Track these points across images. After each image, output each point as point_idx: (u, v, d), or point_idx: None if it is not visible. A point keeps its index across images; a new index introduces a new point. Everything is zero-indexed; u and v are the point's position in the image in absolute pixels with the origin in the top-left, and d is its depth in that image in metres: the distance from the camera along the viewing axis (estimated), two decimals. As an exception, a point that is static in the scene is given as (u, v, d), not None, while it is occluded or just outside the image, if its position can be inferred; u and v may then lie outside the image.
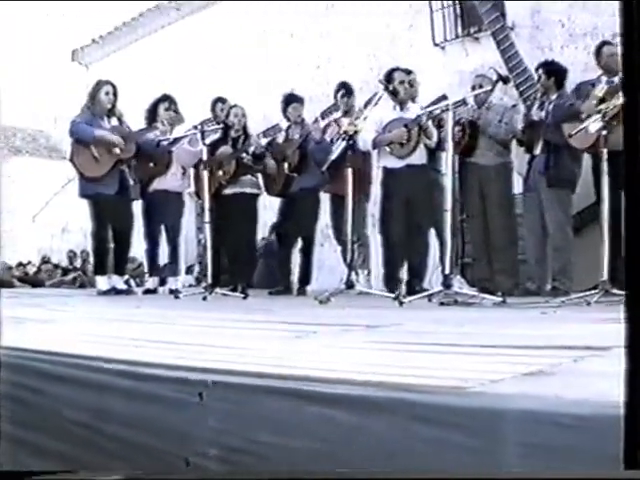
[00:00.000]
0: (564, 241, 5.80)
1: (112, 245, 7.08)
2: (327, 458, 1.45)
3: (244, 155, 7.10)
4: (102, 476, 1.72)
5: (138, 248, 7.76)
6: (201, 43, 12.36)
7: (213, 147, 6.96)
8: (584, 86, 5.65)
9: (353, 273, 5.60)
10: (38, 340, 2.52)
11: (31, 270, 14.26)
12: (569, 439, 1.19)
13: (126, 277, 7.75)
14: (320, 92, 9.03)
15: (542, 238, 5.94)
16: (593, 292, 4.35)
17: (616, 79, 5.21)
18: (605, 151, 4.54)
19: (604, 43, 5.82)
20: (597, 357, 1.82)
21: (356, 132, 5.70)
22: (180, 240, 7.48)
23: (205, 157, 6.42)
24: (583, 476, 1.18)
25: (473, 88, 6.08)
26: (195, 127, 6.72)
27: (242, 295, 6.18)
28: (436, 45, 9.52)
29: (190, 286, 8.41)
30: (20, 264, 14.28)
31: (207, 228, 6.38)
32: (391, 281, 6.24)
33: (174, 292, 6.65)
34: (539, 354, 1.94)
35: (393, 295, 5.04)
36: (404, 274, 6.40)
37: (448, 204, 4.91)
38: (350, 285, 5.39)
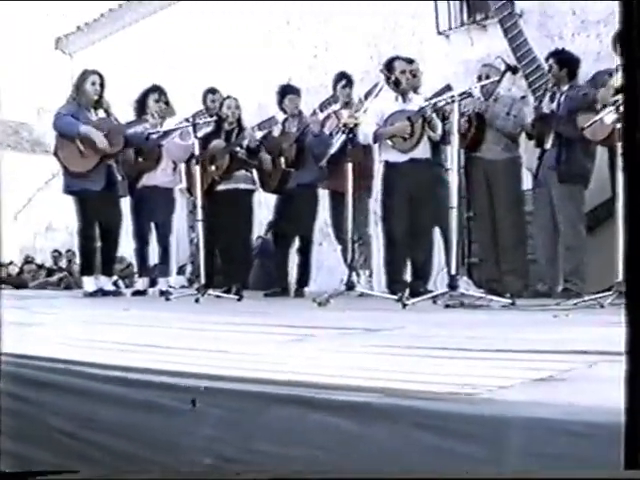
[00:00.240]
0: (576, 240, 5.80)
1: (99, 244, 7.08)
2: (326, 467, 1.45)
3: (238, 149, 7.09)
4: (102, 476, 1.73)
5: (127, 247, 7.76)
6: (192, 30, 12.36)
7: (205, 141, 6.95)
8: (600, 76, 5.63)
9: (354, 274, 5.60)
10: (21, 344, 2.52)
11: (13, 271, 14.27)
12: (582, 448, 1.19)
13: (114, 278, 7.78)
14: (318, 83, 9.04)
15: (553, 237, 5.94)
16: (607, 294, 4.34)
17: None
18: (620, 144, 4.54)
19: (623, 30, 5.81)
20: (611, 362, 1.82)
21: (356, 125, 5.70)
22: (171, 239, 7.48)
23: (197, 151, 6.42)
24: (583, 476, 1.18)
25: (479, 79, 6.08)
26: (187, 120, 6.72)
27: (236, 297, 6.19)
28: (440, 33, 9.52)
29: (182, 287, 8.41)
30: (1, 265, 14.28)
31: (199, 226, 6.38)
32: (394, 282, 6.25)
33: (165, 294, 6.66)
34: (550, 359, 1.95)
35: (396, 297, 5.04)
36: (407, 275, 6.40)
37: (454, 201, 4.91)
38: (350, 286, 5.39)
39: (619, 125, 4.54)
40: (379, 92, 6.00)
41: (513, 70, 5.69)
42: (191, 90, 8.47)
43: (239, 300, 6.07)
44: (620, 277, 4.36)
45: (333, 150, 5.84)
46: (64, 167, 6.95)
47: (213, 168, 7.04)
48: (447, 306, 4.62)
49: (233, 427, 1.59)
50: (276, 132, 7.29)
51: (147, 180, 7.22)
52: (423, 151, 6.21)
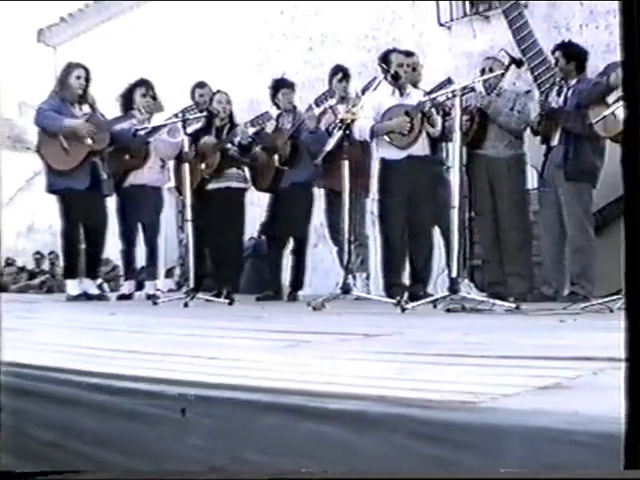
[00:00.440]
0: (584, 241, 5.80)
1: (83, 246, 7.07)
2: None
3: (229, 146, 7.09)
4: (103, 476, 1.73)
5: (112, 249, 7.75)
6: (181, 21, 12.34)
7: (195, 137, 6.96)
8: (612, 68, 5.62)
9: (350, 276, 5.60)
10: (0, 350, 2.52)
11: (-7, 273, 14.24)
12: (589, 459, 1.19)
13: (99, 281, 7.76)
14: (314, 76, 9.05)
15: (559, 238, 5.94)
16: (616, 298, 4.34)
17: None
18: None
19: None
20: (620, 369, 1.82)
21: (353, 120, 5.70)
22: (159, 240, 7.47)
23: (186, 148, 6.43)
24: (583, 476, 1.18)
25: (482, 72, 6.07)
26: (175, 115, 6.73)
27: (227, 301, 6.19)
28: (441, 25, 9.53)
29: (170, 291, 8.40)
30: (-20, 267, 14.27)
31: (189, 227, 6.38)
32: (392, 285, 6.25)
33: (152, 297, 6.66)
34: (556, 366, 1.95)
35: (394, 301, 5.04)
36: (406, 278, 6.40)
37: (455, 200, 4.91)
38: (347, 290, 5.40)
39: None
40: (377, 86, 5.99)
41: (518, 63, 5.69)
42: (180, 84, 8.46)
43: (230, 304, 6.07)
44: (629, 280, 4.36)
45: (329, 147, 5.82)
46: (47, 165, 6.94)
47: (203, 166, 7.04)
48: (448, 310, 4.62)
49: (223, 436, 1.59)
50: (269, 128, 7.28)
51: (134, 179, 7.22)
52: (422, 148, 6.21)
